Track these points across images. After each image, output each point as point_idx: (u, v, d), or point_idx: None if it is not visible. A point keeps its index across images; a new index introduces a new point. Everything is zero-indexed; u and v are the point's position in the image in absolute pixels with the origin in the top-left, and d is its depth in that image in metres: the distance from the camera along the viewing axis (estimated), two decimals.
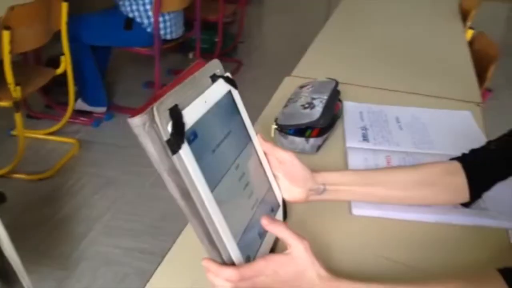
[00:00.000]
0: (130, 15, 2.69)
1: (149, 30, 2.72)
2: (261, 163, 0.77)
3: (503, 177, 0.86)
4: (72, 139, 2.68)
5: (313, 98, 1.13)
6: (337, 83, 1.21)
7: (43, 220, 2.12)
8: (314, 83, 1.23)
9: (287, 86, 1.41)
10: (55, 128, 2.70)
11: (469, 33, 2.01)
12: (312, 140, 1.07)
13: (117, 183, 2.39)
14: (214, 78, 0.69)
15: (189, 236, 0.83)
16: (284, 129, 1.08)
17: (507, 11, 5.89)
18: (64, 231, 2.08)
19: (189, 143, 0.58)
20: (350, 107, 1.27)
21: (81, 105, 2.87)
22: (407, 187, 0.85)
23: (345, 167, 1.04)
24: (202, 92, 0.64)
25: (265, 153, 0.78)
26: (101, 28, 2.72)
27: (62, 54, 2.42)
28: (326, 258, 0.76)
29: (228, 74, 0.72)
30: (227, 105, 0.70)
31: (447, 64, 1.65)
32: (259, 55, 4.19)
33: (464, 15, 2.15)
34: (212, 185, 0.61)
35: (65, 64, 2.44)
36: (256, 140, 0.77)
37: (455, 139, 1.16)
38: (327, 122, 1.10)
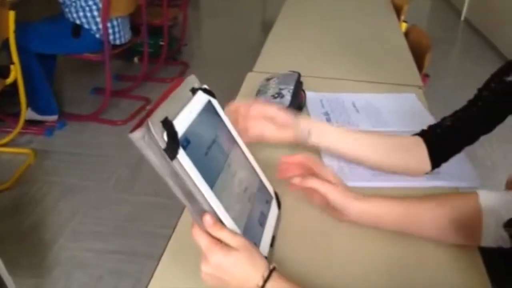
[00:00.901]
0: (78, 21, 2.70)
1: (97, 36, 2.74)
2: (249, 162, 0.86)
3: (459, 149, 1.02)
4: (26, 149, 2.66)
5: (281, 89, 1.25)
6: (299, 75, 1.34)
7: (10, 231, 2.11)
8: (278, 75, 1.35)
9: (251, 80, 1.52)
10: (7, 139, 2.66)
11: (403, 26, 2.21)
12: None
13: (79, 189, 2.41)
14: (193, 91, 0.77)
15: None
16: None
17: (429, 7, 6.34)
18: (33, 239, 2.08)
19: (184, 148, 0.66)
20: (311, 96, 1.40)
21: (31, 114, 2.83)
22: (381, 151, 0.99)
23: (316, 151, 1.16)
24: (186, 104, 0.73)
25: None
26: (49, 36, 2.71)
27: (11, 63, 2.39)
28: (318, 246, 0.87)
29: (205, 86, 0.81)
30: (209, 113, 0.79)
31: (389, 53, 1.83)
32: (203, 56, 4.28)
33: (397, 10, 2.36)
34: (211, 183, 0.69)
35: (15, 73, 2.41)
36: (241, 141, 0.86)
37: (405, 118, 1.32)
38: (296, 109, 1.22)
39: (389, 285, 0.80)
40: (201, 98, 0.78)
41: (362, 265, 0.84)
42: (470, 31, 5.36)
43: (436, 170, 1.08)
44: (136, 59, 3.88)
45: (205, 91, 0.80)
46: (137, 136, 0.63)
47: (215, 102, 0.82)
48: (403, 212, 0.87)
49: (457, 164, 1.10)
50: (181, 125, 0.68)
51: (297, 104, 1.24)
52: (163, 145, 0.64)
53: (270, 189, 0.90)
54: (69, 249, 2.03)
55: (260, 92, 1.28)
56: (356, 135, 1.04)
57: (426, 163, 1.00)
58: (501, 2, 4.73)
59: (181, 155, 0.65)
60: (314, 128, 1.01)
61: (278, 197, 0.91)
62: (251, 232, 0.76)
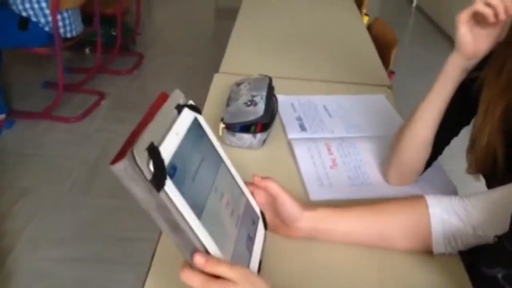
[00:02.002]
0: (24, 13, 2.53)
1: (47, 29, 2.58)
2: (235, 180, 0.81)
3: (435, 158, 1.02)
4: None
5: (253, 95, 1.21)
6: (271, 79, 1.30)
7: None
8: (249, 80, 1.30)
9: (219, 82, 1.47)
10: None
11: (365, 19, 2.21)
12: (259, 135, 1.15)
13: (33, 193, 2.28)
14: (179, 108, 0.71)
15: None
16: (231, 127, 1.15)
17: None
18: None
19: (171, 177, 0.60)
20: (282, 100, 1.36)
21: None
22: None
23: (291, 158, 1.14)
24: (172, 124, 0.67)
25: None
26: None
27: None
28: (307, 264, 0.85)
29: (191, 102, 0.75)
30: (196, 132, 0.73)
31: (354, 51, 1.82)
32: (157, 46, 4.14)
33: (358, 3, 2.35)
34: (198, 212, 0.64)
35: None
36: (227, 158, 0.80)
37: (376, 121, 1.32)
38: (270, 117, 1.19)
39: None
40: (187, 116, 0.73)
41: (352, 279, 0.83)
42: (422, 18, 5.48)
43: None
44: (87, 50, 3.71)
45: (191, 107, 0.75)
46: (118, 168, 0.57)
47: (201, 119, 0.77)
48: (353, 228, 0.87)
49: (431, 170, 1.10)
50: (167, 151, 0.63)
51: (272, 110, 1.21)
52: (148, 176, 0.58)
53: (257, 208, 0.86)
54: (26, 259, 1.93)
55: (231, 99, 1.23)
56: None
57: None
58: None
59: (168, 185, 0.60)
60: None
61: (264, 216, 0.88)
62: (238, 260, 0.72)
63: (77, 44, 3.51)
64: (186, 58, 3.82)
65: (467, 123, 1.01)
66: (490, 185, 0.92)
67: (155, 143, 0.61)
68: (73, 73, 3.35)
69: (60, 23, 2.61)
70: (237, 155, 0.99)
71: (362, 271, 0.85)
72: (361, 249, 0.87)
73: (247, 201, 0.84)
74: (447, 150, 1.05)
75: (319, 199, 1.00)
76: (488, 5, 0.81)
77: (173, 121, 0.69)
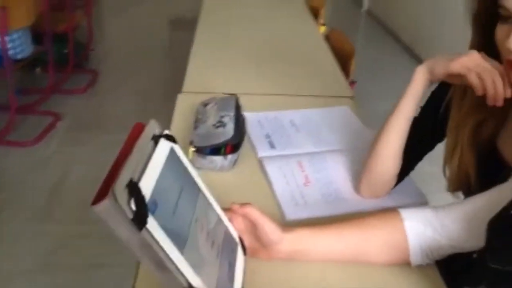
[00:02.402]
0: None
1: None
2: (213, 208, 0.80)
3: (407, 173, 1.04)
4: None
5: (222, 116, 1.20)
6: (237, 98, 1.29)
7: None
8: (215, 100, 1.29)
9: (183, 103, 1.45)
10: None
11: (322, 29, 2.24)
12: (229, 156, 1.14)
13: None
14: (155, 139, 0.70)
15: None
16: (202, 150, 1.13)
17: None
18: None
19: (152, 213, 0.59)
20: (249, 118, 1.35)
21: None
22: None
23: (263, 177, 1.13)
24: (150, 157, 0.66)
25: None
26: None
27: None
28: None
29: (167, 132, 0.74)
30: (173, 162, 0.72)
31: (316, 63, 1.84)
32: (112, 61, 4.06)
33: (314, 13, 2.38)
34: (181, 246, 0.63)
35: None
36: (204, 186, 0.79)
37: (343, 134, 1.33)
38: (239, 137, 1.18)
39: None
40: (164, 147, 0.71)
41: None
42: (372, 21, 5.62)
43: None
44: (38, 70, 3.58)
45: (167, 137, 0.73)
46: (101, 208, 0.56)
47: (177, 149, 0.75)
48: (331, 246, 0.87)
49: (402, 184, 1.12)
50: (147, 186, 0.61)
51: (240, 131, 1.20)
52: (130, 215, 0.56)
53: (235, 234, 0.85)
54: None
55: (199, 121, 1.22)
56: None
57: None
58: None
59: (150, 223, 0.59)
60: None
61: (242, 242, 0.87)
62: None
63: (27, 64, 3.41)
64: (142, 73, 3.77)
65: (440, 140, 1.04)
66: None
67: (135, 179, 0.60)
68: (25, 95, 3.22)
69: (9, 45, 2.51)
70: (209, 178, 0.97)
71: (343, 286, 0.85)
72: (340, 265, 0.88)
73: (226, 228, 0.83)
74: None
75: (295, 219, 1.00)
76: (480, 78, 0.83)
77: (151, 153, 0.67)
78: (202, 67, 1.74)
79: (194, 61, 1.77)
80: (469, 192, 0.93)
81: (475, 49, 0.88)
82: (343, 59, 1.86)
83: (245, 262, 0.85)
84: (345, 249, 0.88)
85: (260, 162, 1.19)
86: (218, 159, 1.13)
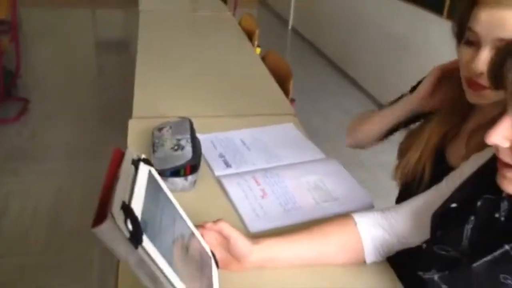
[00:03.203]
0: None
1: None
2: (188, 226, 0.86)
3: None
4: None
5: (178, 139, 1.26)
6: (191, 121, 1.36)
7: None
8: (169, 124, 1.35)
9: (135, 128, 1.49)
10: None
11: (258, 51, 2.36)
12: (189, 177, 1.20)
13: None
14: (135, 163, 0.76)
15: None
16: (163, 173, 1.19)
17: (258, 17, 6.75)
18: None
19: (145, 232, 0.65)
20: (202, 139, 1.42)
21: None
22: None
23: (223, 194, 1.21)
24: (134, 181, 0.72)
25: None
26: None
27: None
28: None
29: (143, 156, 0.80)
30: (152, 184, 0.78)
31: (257, 84, 1.95)
32: (42, 88, 3.95)
33: (249, 36, 2.50)
34: (170, 262, 0.69)
35: None
36: (178, 205, 0.86)
37: (291, 149, 1.44)
38: (197, 158, 1.25)
39: None
40: (144, 170, 0.77)
41: None
42: (298, 39, 5.88)
43: (334, 196, 1.21)
44: None
45: (145, 161, 0.79)
46: (103, 230, 0.61)
47: (153, 171, 0.81)
48: (295, 252, 0.97)
49: (349, 189, 1.24)
50: (137, 208, 0.67)
51: (198, 152, 1.27)
52: (127, 235, 0.62)
53: (208, 249, 0.91)
54: None
55: (156, 145, 1.27)
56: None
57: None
58: (321, 10, 5.28)
59: (145, 241, 0.65)
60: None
61: (214, 256, 0.93)
62: None
63: None
64: (74, 99, 3.71)
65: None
66: (410, 192, 1.07)
67: (126, 202, 0.65)
68: None
69: None
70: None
71: (310, 286, 0.95)
72: (303, 268, 0.97)
73: (200, 243, 0.89)
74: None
75: (258, 230, 1.08)
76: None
77: (134, 177, 0.73)
78: (147, 93, 1.78)
79: (139, 87, 1.81)
80: (418, 185, 1.06)
81: None
82: (281, 79, 1.99)
83: (218, 275, 0.92)
84: (308, 254, 0.98)
85: (218, 181, 1.26)
86: (179, 181, 1.19)
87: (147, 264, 0.65)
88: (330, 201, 1.20)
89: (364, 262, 0.99)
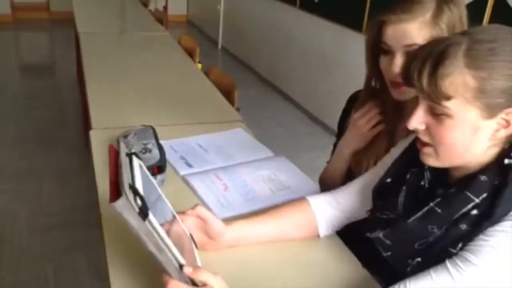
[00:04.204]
0: None
1: None
2: (171, 211, 0.99)
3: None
4: None
5: (145, 144, 1.40)
6: (154, 128, 1.49)
7: None
8: (133, 131, 1.48)
9: (97, 138, 1.59)
10: None
11: (199, 66, 2.53)
12: (159, 176, 1.34)
13: None
14: (129, 156, 0.89)
15: None
16: None
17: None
18: None
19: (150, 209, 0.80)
20: (163, 145, 1.56)
21: None
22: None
23: (190, 190, 1.35)
24: (131, 169, 0.85)
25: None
26: None
27: None
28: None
29: (133, 150, 0.94)
30: (143, 174, 0.91)
31: (203, 96, 2.11)
32: None
33: (189, 54, 2.67)
34: (168, 235, 0.83)
35: None
36: (162, 192, 1.00)
37: (243, 149, 1.61)
38: (163, 160, 1.38)
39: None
40: (136, 162, 0.90)
41: (265, 266, 1.08)
42: (228, 57, 6.10)
43: (286, 186, 1.39)
44: None
45: (135, 155, 0.93)
46: (120, 204, 0.76)
47: (142, 164, 0.95)
48: (261, 231, 1.14)
49: (298, 179, 1.43)
50: (140, 189, 0.81)
51: (163, 154, 1.40)
52: (137, 209, 0.77)
53: (187, 231, 1.05)
54: None
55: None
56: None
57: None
58: (251, 30, 5.54)
59: (150, 215, 0.79)
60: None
61: (192, 237, 1.07)
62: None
63: None
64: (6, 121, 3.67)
65: None
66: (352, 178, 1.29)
67: (131, 184, 0.79)
68: None
69: None
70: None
71: (272, 260, 1.12)
72: (268, 244, 1.14)
73: (181, 226, 1.03)
74: None
75: (225, 217, 1.23)
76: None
77: (131, 166, 0.87)
78: (101, 105, 1.88)
79: (93, 99, 1.92)
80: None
81: (368, 74, 1.26)
82: (226, 91, 2.16)
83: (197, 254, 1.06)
84: (271, 232, 1.15)
85: (183, 179, 1.40)
86: None
87: (154, 236, 0.79)
88: (283, 189, 1.38)
89: (318, 236, 1.18)
